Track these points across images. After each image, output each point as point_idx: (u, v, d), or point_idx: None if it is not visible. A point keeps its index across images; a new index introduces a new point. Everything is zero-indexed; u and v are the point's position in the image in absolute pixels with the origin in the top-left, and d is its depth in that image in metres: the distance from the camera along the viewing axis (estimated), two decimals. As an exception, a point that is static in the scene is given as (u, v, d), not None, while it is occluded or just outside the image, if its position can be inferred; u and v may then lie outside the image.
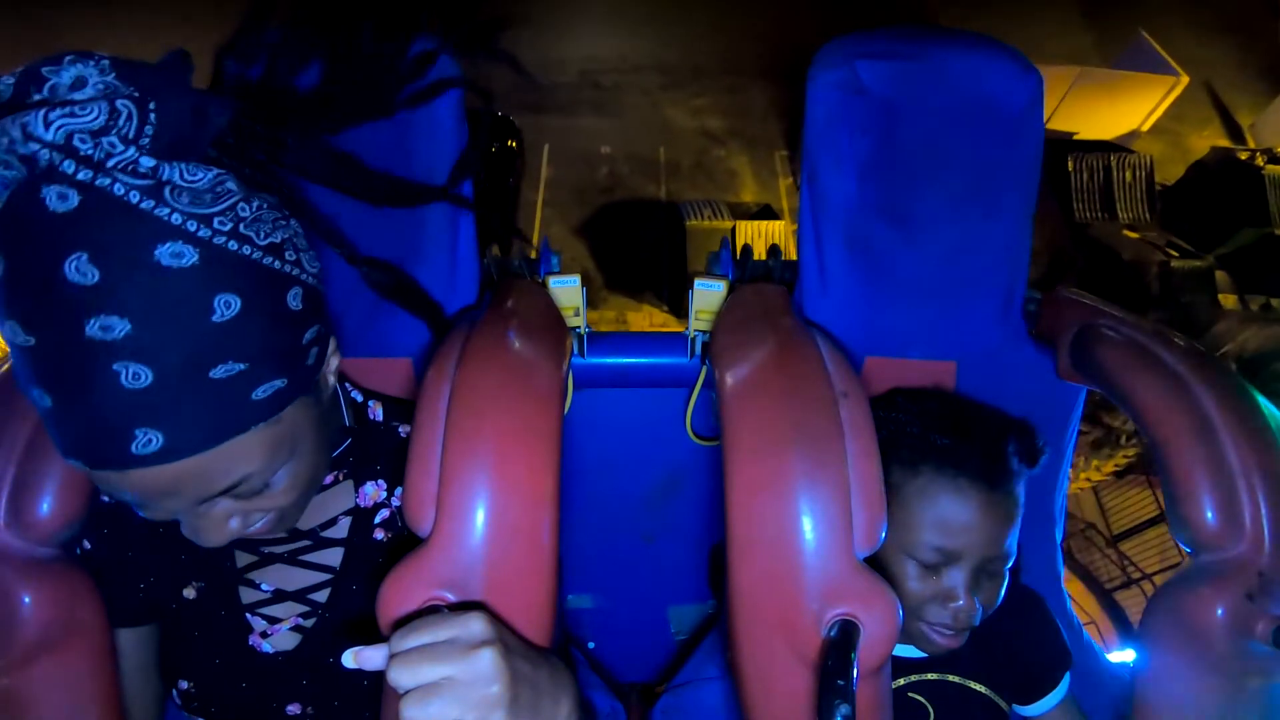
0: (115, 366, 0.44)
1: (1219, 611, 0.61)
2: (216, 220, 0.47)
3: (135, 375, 0.45)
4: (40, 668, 0.62)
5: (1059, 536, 0.95)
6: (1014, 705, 0.84)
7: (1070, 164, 4.20)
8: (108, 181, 0.44)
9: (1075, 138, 4.88)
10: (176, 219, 0.46)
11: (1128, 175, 4.23)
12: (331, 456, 0.67)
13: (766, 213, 4.60)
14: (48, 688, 0.63)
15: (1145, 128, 5.35)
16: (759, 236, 4.28)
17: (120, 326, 0.44)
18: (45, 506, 0.62)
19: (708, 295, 0.86)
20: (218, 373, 0.47)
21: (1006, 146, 0.83)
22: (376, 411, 0.73)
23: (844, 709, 0.51)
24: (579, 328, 0.88)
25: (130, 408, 0.46)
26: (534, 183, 5.12)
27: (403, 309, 0.73)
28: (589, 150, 5.46)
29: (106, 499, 0.68)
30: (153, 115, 0.45)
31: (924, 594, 0.72)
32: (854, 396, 0.62)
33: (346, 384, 0.72)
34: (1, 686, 0.62)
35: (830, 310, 0.87)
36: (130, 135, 0.44)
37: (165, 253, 0.45)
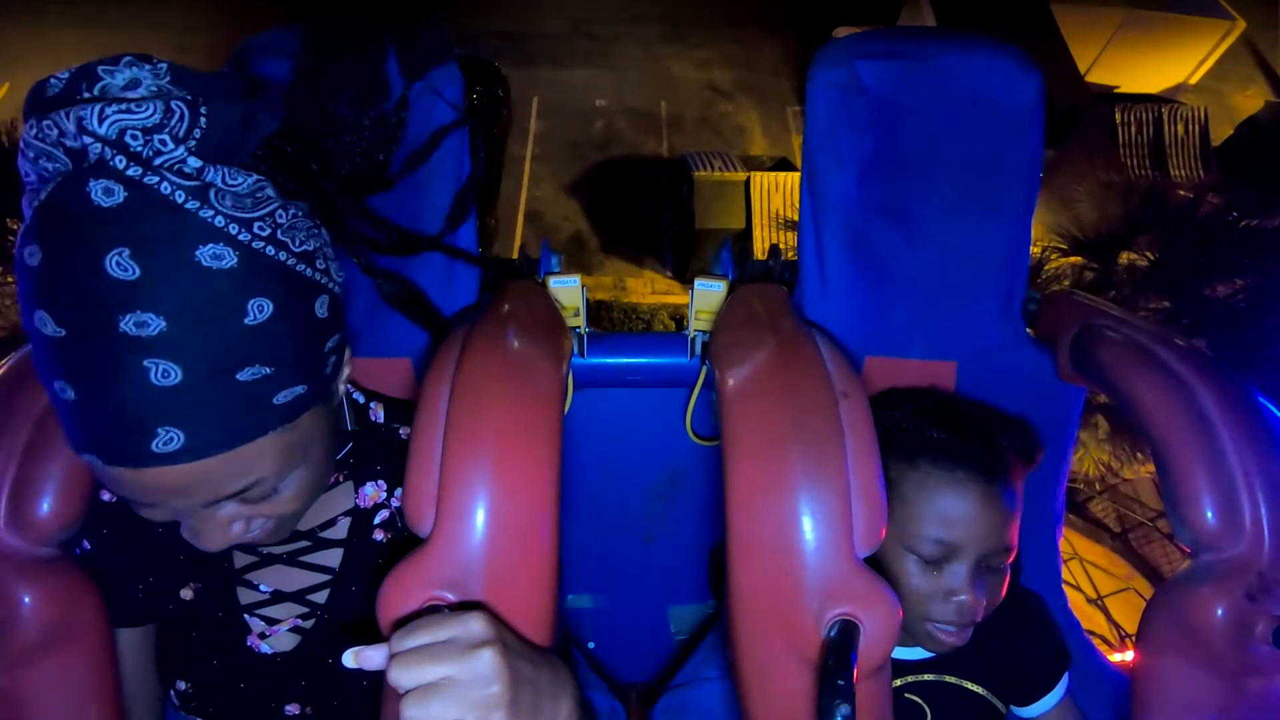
0: (146, 363, 0.45)
1: (1219, 611, 0.61)
2: (256, 225, 0.48)
3: (165, 373, 0.45)
4: (40, 668, 0.62)
5: (1059, 537, 0.95)
6: (1012, 706, 0.84)
7: (1118, 115, 3.82)
8: (155, 180, 0.45)
9: (1116, 92, 4.44)
10: (220, 221, 0.46)
11: (1179, 129, 3.85)
12: (335, 460, 0.67)
13: (783, 165, 4.17)
14: (48, 688, 0.63)
15: (1194, 80, 4.87)
16: (776, 190, 3.86)
17: (155, 324, 0.44)
18: (45, 506, 0.62)
19: (708, 295, 0.86)
20: (244, 375, 0.48)
21: (1007, 146, 0.83)
22: (378, 413, 0.73)
23: (844, 709, 0.51)
24: (579, 328, 0.88)
25: (156, 405, 0.46)
26: (521, 139, 4.72)
27: (409, 320, 0.73)
28: (582, 104, 5.05)
29: (107, 498, 0.68)
30: (203, 118, 0.46)
31: (927, 590, 0.72)
32: (854, 397, 0.62)
33: (348, 385, 0.72)
34: (2, 686, 0.62)
35: (830, 310, 0.87)
36: (181, 135, 0.45)
37: (206, 254, 0.46)
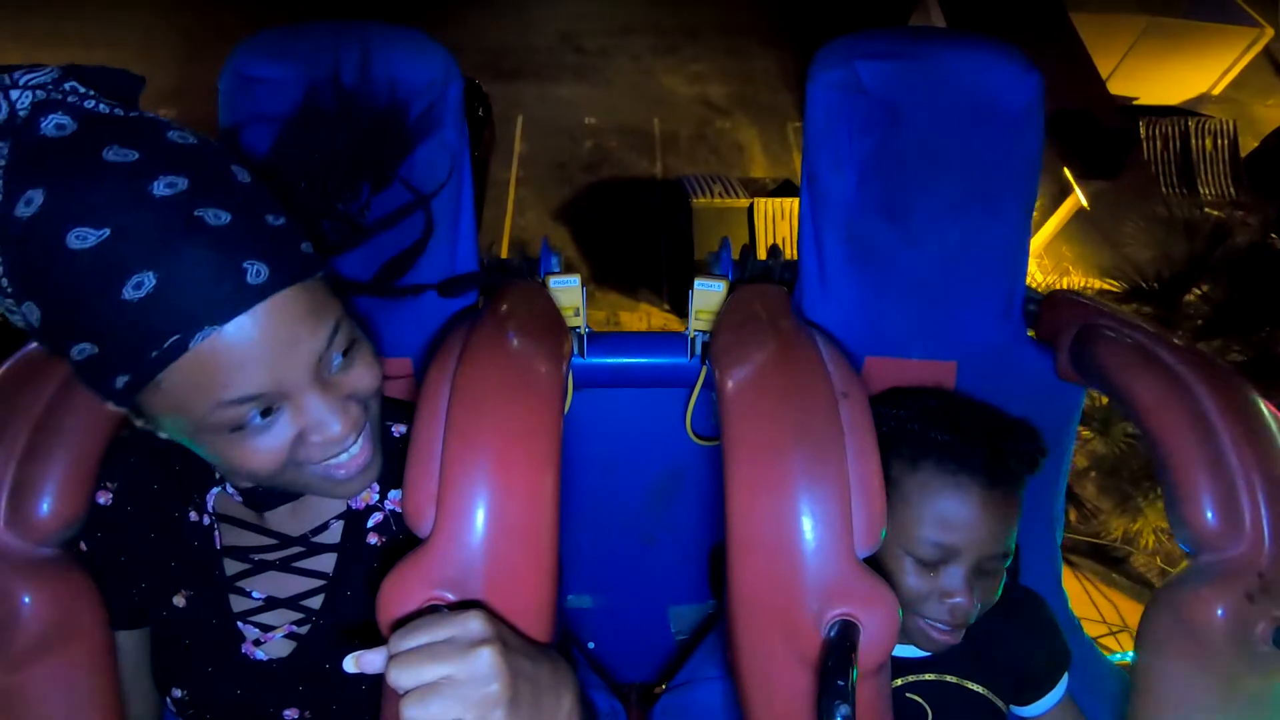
0: (197, 213, 0.47)
1: (1219, 612, 0.61)
2: (187, 131, 0.51)
3: (217, 215, 0.47)
4: (40, 668, 0.62)
5: (1059, 537, 0.95)
6: (1012, 706, 0.84)
7: (1142, 129, 3.50)
8: (92, 103, 0.48)
9: (1135, 103, 4.11)
10: (162, 121, 0.50)
11: (1208, 143, 3.56)
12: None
13: (786, 189, 3.93)
14: (48, 688, 0.63)
15: (1217, 91, 4.54)
16: (782, 217, 3.65)
17: (180, 181, 0.47)
18: (45, 506, 0.62)
19: (708, 295, 0.86)
20: (271, 220, 0.51)
21: (1007, 146, 0.83)
22: None
23: (844, 709, 0.51)
24: (579, 328, 0.88)
25: (229, 243, 0.48)
26: (505, 160, 4.42)
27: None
28: (570, 122, 4.73)
29: (102, 501, 0.67)
30: (88, 79, 0.49)
31: (922, 591, 0.72)
32: (854, 397, 0.62)
33: None
34: (1, 686, 0.62)
35: (830, 310, 0.87)
36: (81, 88, 0.48)
37: (175, 135, 0.49)
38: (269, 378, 0.51)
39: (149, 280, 0.45)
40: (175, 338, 0.47)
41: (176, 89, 4.26)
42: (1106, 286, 1.86)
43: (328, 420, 0.55)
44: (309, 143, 0.66)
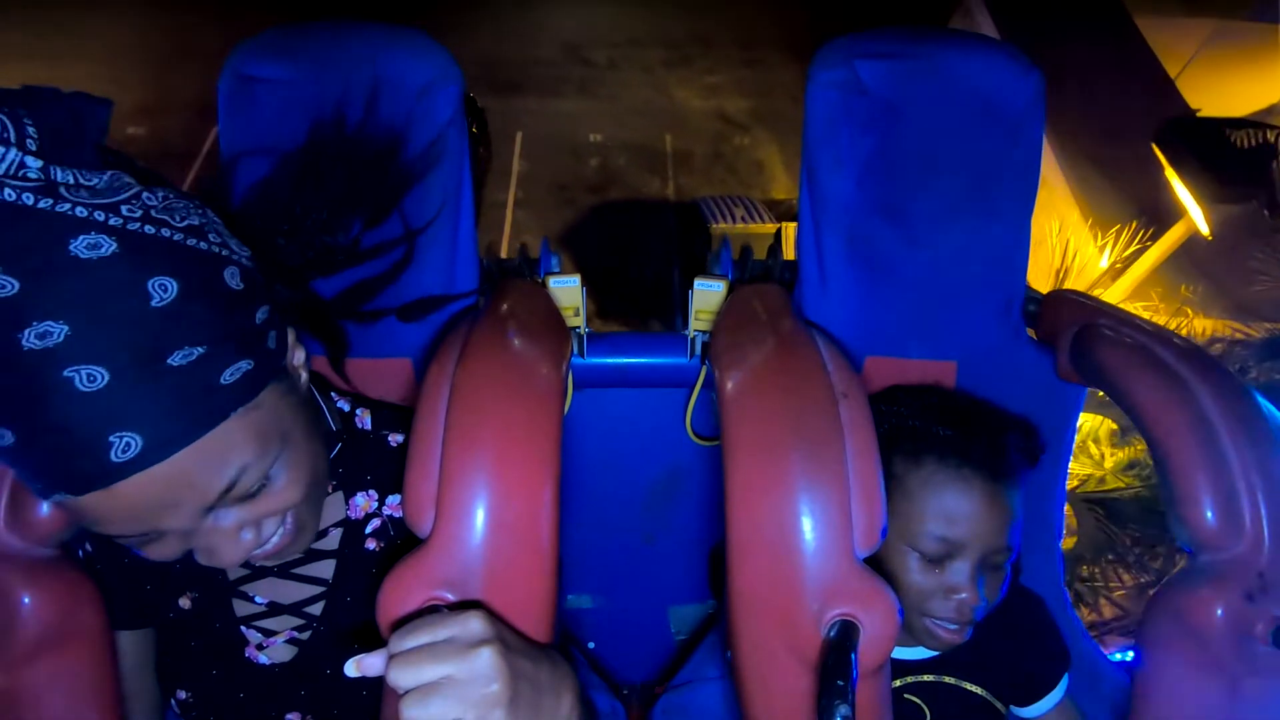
0: (66, 373, 0.42)
1: (1219, 612, 0.61)
2: (124, 208, 0.45)
3: (90, 377, 0.42)
4: (40, 668, 0.62)
5: (1059, 537, 0.95)
6: (1012, 706, 0.84)
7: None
8: (11, 164, 0.41)
9: (1200, 115, 3.55)
10: (81, 212, 0.43)
11: None
12: (329, 454, 0.66)
13: None
14: (48, 688, 0.63)
15: None
16: None
17: (58, 330, 0.41)
18: (45, 507, 0.62)
19: (707, 295, 0.86)
20: (176, 359, 0.45)
21: (1007, 146, 0.83)
22: (365, 420, 0.72)
23: (843, 709, 0.51)
24: (579, 328, 0.88)
25: (96, 413, 0.43)
26: (502, 180, 4.06)
27: (310, 333, 0.69)
28: (575, 138, 4.36)
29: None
30: (29, 124, 0.43)
31: (927, 587, 0.72)
32: (854, 397, 0.62)
33: (332, 394, 0.71)
34: (1, 686, 0.62)
35: (830, 310, 0.87)
36: (10, 139, 0.42)
37: (81, 246, 0.42)
38: (140, 527, 0.49)
39: (9, 437, 0.44)
40: (36, 487, 0.46)
41: (147, 105, 4.02)
42: (1240, 334, 1.54)
43: (217, 548, 0.54)
44: (307, 182, 0.64)
